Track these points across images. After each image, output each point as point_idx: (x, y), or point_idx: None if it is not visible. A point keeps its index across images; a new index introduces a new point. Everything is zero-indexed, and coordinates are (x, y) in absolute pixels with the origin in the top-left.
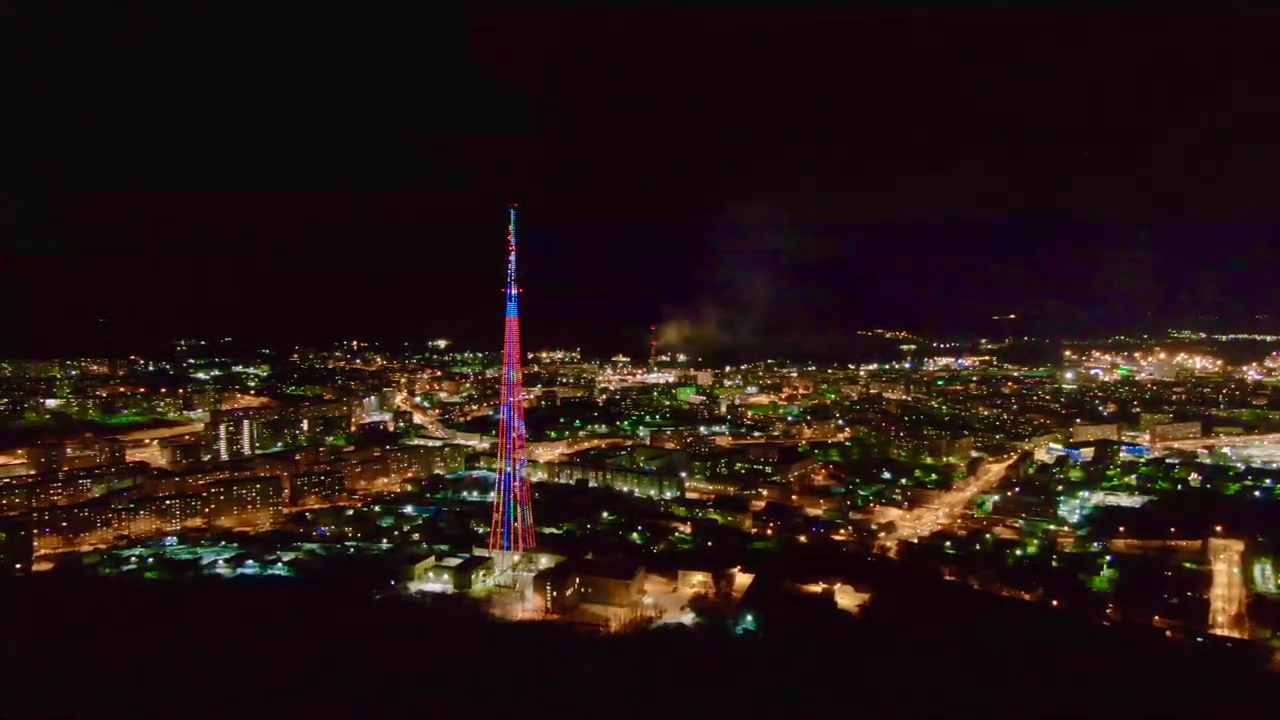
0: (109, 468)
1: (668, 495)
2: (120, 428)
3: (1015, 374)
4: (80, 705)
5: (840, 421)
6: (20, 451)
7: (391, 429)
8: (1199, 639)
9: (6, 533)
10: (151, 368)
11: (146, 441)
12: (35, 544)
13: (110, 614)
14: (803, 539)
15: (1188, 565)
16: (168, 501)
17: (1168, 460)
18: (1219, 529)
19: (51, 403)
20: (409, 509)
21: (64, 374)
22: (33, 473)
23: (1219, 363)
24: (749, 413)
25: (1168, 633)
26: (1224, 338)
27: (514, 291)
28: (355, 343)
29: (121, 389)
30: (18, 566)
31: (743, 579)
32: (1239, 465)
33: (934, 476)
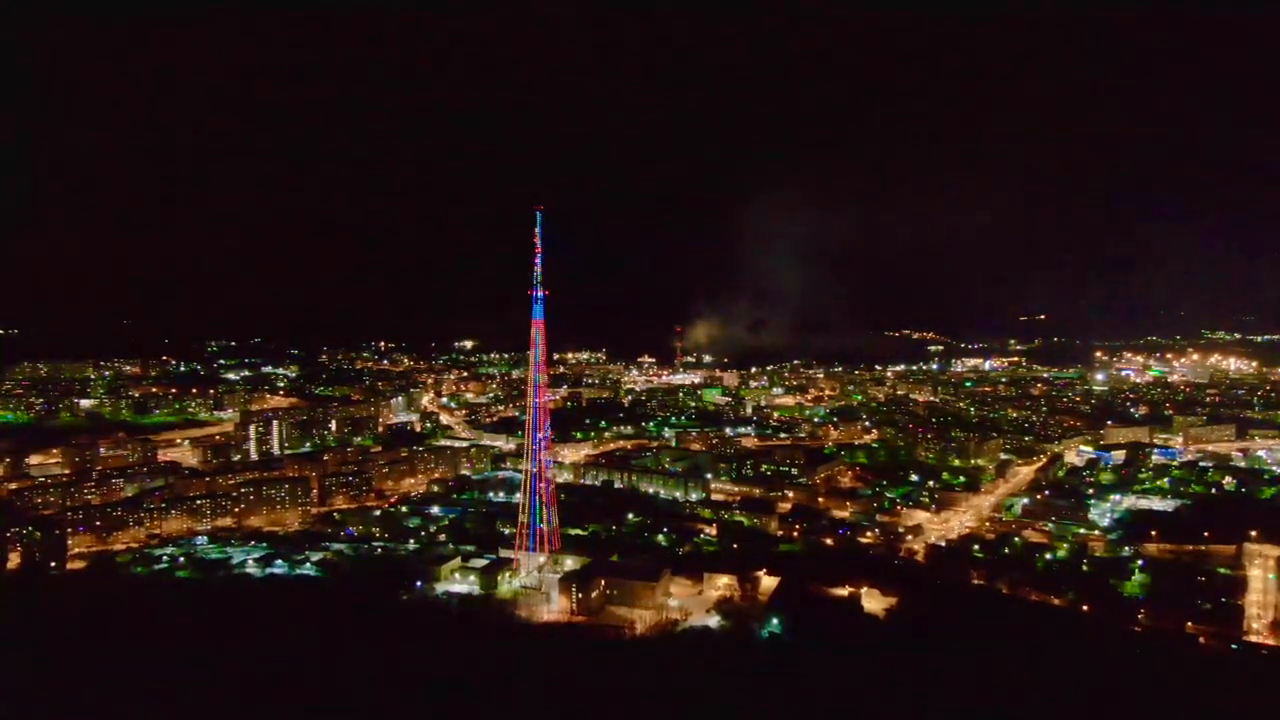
0: (141, 467)
1: (693, 497)
2: (152, 428)
3: (1045, 375)
4: (112, 702)
5: (867, 423)
6: (55, 451)
7: (418, 429)
8: (1233, 646)
9: (42, 531)
10: (183, 368)
11: (178, 441)
12: (69, 542)
13: (143, 612)
14: (829, 541)
15: (1221, 570)
16: (198, 501)
17: (1201, 463)
18: (1254, 533)
19: (86, 403)
20: (435, 509)
21: (98, 375)
22: (67, 472)
23: (1254, 364)
24: (775, 414)
25: (1201, 639)
26: (1259, 338)
27: (540, 294)
28: (383, 343)
29: (154, 389)
30: (52, 565)
31: (768, 581)
32: (1275, 469)
33: (962, 479)
